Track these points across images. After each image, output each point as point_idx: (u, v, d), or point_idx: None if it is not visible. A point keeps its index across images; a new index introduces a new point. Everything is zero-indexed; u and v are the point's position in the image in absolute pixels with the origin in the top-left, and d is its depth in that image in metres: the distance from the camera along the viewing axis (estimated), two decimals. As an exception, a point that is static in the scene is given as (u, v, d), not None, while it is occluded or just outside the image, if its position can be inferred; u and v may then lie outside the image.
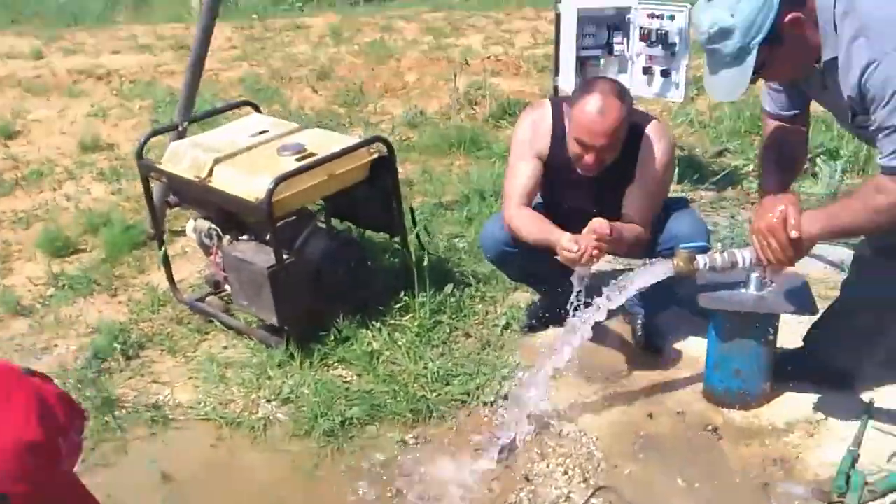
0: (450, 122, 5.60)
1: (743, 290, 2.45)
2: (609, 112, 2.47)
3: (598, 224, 2.43)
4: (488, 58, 7.51)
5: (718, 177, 4.27)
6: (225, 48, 8.50)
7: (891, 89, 1.90)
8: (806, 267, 3.36)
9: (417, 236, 3.42)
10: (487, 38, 8.58)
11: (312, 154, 3.00)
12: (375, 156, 3.11)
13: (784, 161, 2.38)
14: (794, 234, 2.13)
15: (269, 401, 2.86)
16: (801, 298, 2.44)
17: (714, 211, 4.03)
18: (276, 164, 2.95)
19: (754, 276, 2.42)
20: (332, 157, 2.97)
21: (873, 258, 2.43)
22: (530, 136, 2.73)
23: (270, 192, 2.78)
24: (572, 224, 2.73)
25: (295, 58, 7.86)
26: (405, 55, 7.77)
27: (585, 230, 2.47)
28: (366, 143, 3.12)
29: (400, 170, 4.81)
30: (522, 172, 2.73)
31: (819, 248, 3.51)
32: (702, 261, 2.35)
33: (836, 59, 2.00)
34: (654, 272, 2.32)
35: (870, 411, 2.55)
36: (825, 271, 3.38)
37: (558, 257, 2.54)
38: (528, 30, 8.79)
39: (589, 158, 2.54)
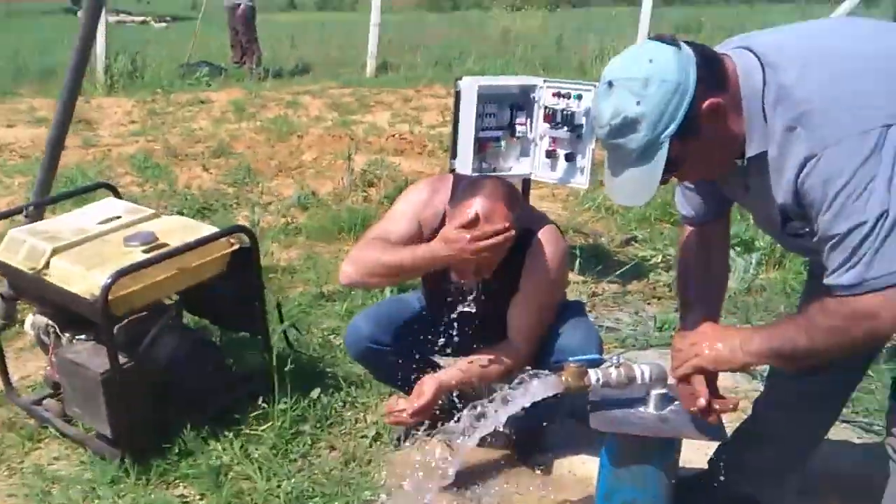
0: (342, 204, 5.39)
1: (641, 409, 2.23)
2: (493, 218, 2.24)
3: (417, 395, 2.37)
4: (392, 136, 7.39)
5: (624, 269, 4.12)
6: (124, 122, 8.20)
7: (833, 189, 1.57)
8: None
9: (285, 334, 3.14)
10: (395, 115, 8.51)
11: (163, 245, 2.72)
12: (235, 247, 2.84)
13: (708, 284, 2.12)
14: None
15: (94, 527, 2.50)
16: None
17: (617, 306, 3.88)
18: (119, 256, 2.66)
19: (654, 392, 2.21)
20: (183, 249, 2.69)
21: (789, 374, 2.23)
22: (421, 202, 2.46)
23: (107, 289, 2.48)
24: (451, 335, 2.52)
25: (194, 134, 7.61)
26: (307, 132, 7.59)
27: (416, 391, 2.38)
28: (225, 233, 2.85)
29: (283, 256, 4.62)
30: (395, 225, 2.44)
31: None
32: (594, 376, 2.12)
33: (764, 153, 1.68)
34: (539, 388, 2.09)
35: None
36: (734, 379, 3.21)
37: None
38: (437, 108, 8.76)
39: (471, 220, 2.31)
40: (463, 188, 2.35)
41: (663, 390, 2.21)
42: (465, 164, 3.91)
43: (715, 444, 2.39)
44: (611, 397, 2.23)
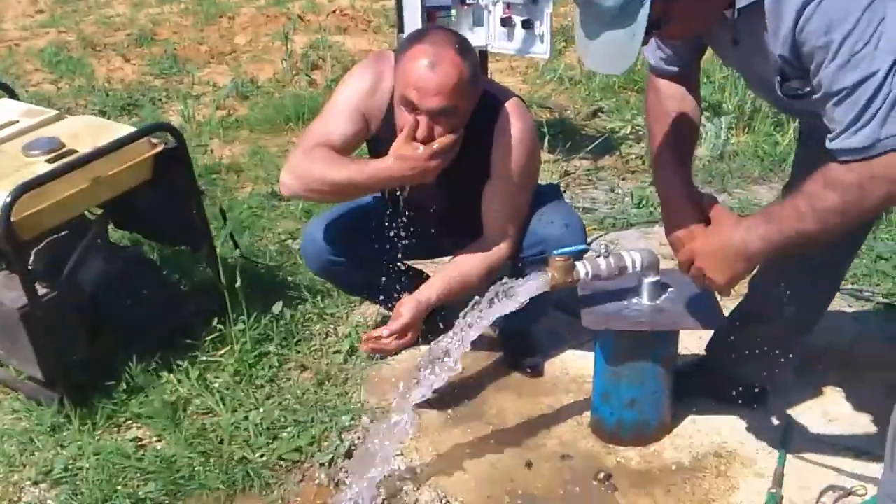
0: (285, 90, 4.88)
1: (635, 300, 1.92)
2: (442, 64, 1.86)
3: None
4: (333, 12, 6.78)
5: (594, 144, 3.74)
6: (30, 13, 7.40)
7: (837, 36, 1.33)
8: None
9: (232, 238, 2.74)
10: (332, -11, 7.80)
11: (71, 152, 2.27)
12: (160, 149, 2.40)
13: (678, 130, 1.84)
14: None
15: (35, 483, 2.15)
16: (705, 305, 1.93)
17: (591, 184, 3.52)
18: (18, 169, 2.21)
19: (647, 281, 1.90)
20: (95, 156, 2.24)
21: None
22: (364, 90, 2.06)
23: (8, 209, 2.05)
24: (418, 232, 2.14)
25: (111, 21, 6.89)
26: (238, 12, 6.92)
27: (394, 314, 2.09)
28: (143, 132, 2.39)
29: (225, 152, 4.14)
30: (336, 124, 2.05)
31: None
32: (582, 269, 1.83)
33: (759, 2, 1.43)
34: (525, 288, 1.77)
35: (787, 436, 2.09)
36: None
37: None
38: (376, -20, 8.07)
39: (422, 123, 1.93)
40: (406, 38, 2.01)
41: (656, 278, 1.93)
42: (413, 36, 3.49)
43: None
44: (601, 289, 1.97)
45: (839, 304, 2.54)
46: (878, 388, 2.21)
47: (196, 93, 4.94)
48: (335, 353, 2.52)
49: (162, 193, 2.46)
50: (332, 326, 2.65)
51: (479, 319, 1.76)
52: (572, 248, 1.85)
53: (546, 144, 3.59)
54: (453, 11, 3.51)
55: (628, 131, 3.94)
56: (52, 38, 6.29)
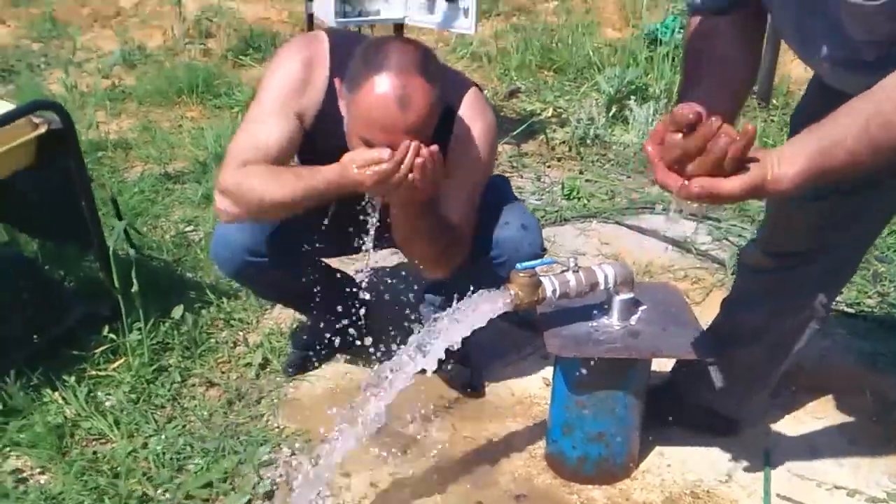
0: (177, 59, 4.49)
1: (604, 320, 1.75)
2: (413, 99, 1.59)
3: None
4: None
5: (519, 130, 3.56)
6: None
7: None
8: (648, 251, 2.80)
9: (127, 236, 2.42)
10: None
11: (-66, 134, 1.92)
12: (42, 130, 2.06)
13: (718, 80, 1.43)
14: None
15: None
16: (684, 326, 1.78)
17: (515, 171, 3.35)
18: None
19: (619, 298, 1.73)
20: (-37, 140, 1.90)
21: (763, 266, 1.82)
22: (294, 85, 1.80)
23: None
24: (351, 225, 1.88)
25: (-20, -23, 6.24)
26: (122, -28, 6.40)
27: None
28: (24, 111, 2.05)
29: (114, 126, 3.75)
30: (268, 130, 1.78)
31: (656, 222, 2.98)
32: (549, 286, 1.64)
33: None
34: (486, 309, 1.57)
35: (767, 471, 1.95)
36: (668, 254, 2.81)
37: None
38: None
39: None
40: (360, 57, 1.65)
41: (630, 295, 1.77)
42: (325, 9, 3.25)
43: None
44: (564, 308, 1.78)
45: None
46: (857, 412, 2.13)
47: (78, 59, 4.49)
48: (246, 365, 2.25)
49: (44, 181, 2.14)
50: (240, 334, 2.38)
51: (433, 343, 1.55)
52: (538, 262, 1.66)
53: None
54: (369, -21, 3.29)
55: (550, 114, 3.79)
56: None
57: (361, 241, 1.86)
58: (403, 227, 1.78)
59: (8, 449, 2.00)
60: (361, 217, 1.82)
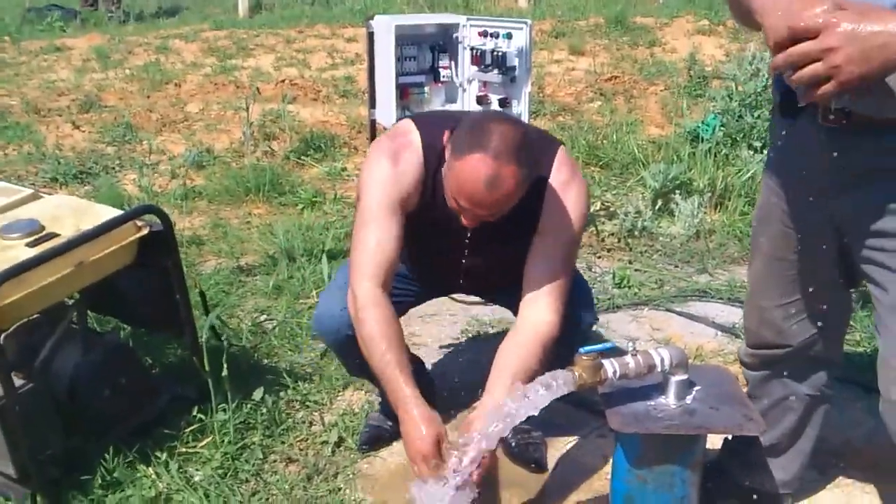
0: (244, 161, 4.81)
1: (661, 399, 1.90)
2: (501, 184, 1.74)
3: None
4: (282, 82, 6.77)
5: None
6: (-32, 76, 7.18)
7: None
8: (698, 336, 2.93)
9: (214, 329, 2.64)
10: (279, 58, 7.82)
11: (52, 235, 2.16)
12: (145, 232, 2.31)
13: None
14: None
15: (8, 591, 2.00)
16: (736, 405, 1.92)
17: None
18: (-2, 253, 2.10)
19: (675, 379, 1.88)
20: (80, 241, 2.14)
21: (750, 363, 2.03)
22: (390, 181, 1.94)
23: (-11, 298, 1.93)
24: (431, 279, 2.07)
25: (55, 86, 6.73)
26: (185, 80, 6.85)
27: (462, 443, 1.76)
28: (130, 216, 2.30)
29: (186, 224, 4.03)
30: (379, 236, 1.93)
31: (707, 308, 3.11)
32: (610, 368, 1.79)
33: None
34: (550, 390, 1.72)
35: None
36: (717, 340, 2.94)
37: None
38: (322, 49, 8.13)
39: (468, 218, 1.87)
40: (467, 131, 1.79)
41: (685, 377, 1.91)
42: (387, 113, 3.52)
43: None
44: (623, 387, 1.91)
45: (849, 397, 2.54)
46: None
47: (151, 162, 4.82)
48: (322, 443, 2.42)
49: (144, 277, 2.37)
50: (316, 414, 2.55)
51: (503, 421, 1.71)
52: (600, 346, 1.82)
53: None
54: (426, 89, 3.56)
55: (598, 207, 3.98)
56: (-7, 102, 6.13)
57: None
58: None
59: (106, 520, 2.18)
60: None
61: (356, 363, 2.23)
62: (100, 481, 2.22)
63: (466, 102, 3.52)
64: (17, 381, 2.08)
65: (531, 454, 2.33)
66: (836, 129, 1.54)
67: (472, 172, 1.74)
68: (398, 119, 3.40)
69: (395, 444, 2.40)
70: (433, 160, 1.95)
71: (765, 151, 4.10)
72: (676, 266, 3.48)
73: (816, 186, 1.64)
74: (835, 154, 1.53)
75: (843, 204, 1.63)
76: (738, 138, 4.39)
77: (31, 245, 2.12)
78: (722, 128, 4.44)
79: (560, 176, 1.97)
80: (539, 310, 1.96)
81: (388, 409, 2.37)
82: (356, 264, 1.95)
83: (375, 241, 1.93)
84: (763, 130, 4.29)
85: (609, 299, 3.17)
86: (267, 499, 2.22)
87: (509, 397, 1.74)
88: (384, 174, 1.95)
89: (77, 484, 2.21)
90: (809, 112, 1.57)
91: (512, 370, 1.88)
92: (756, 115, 4.41)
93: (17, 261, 2.02)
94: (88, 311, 2.49)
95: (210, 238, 3.86)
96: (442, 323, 3.09)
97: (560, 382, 1.73)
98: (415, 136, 1.98)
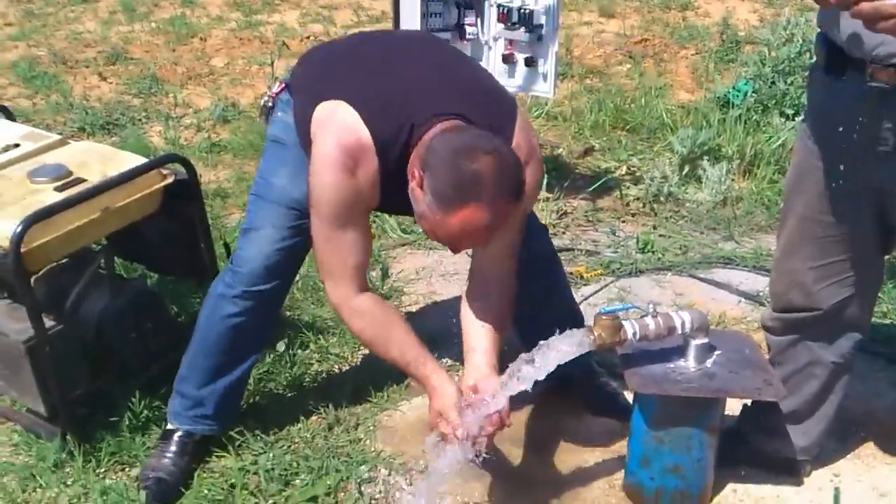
0: (269, 116, 4.79)
1: (681, 362, 1.90)
2: (503, 220, 1.66)
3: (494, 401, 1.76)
4: (308, 38, 6.73)
5: (595, 186, 3.74)
6: (-1, 25, 7.20)
7: None
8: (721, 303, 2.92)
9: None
10: (304, 14, 7.77)
11: (79, 180, 2.18)
12: (170, 180, 2.32)
13: None
14: None
15: (38, 524, 2.05)
16: (756, 370, 1.92)
17: (591, 225, 3.51)
18: (26, 196, 2.12)
19: (695, 343, 1.88)
20: (107, 186, 2.16)
21: (773, 327, 2.01)
22: (351, 194, 1.76)
23: (18, 239, 1.96)
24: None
25: (82, 37, 6.73)
26: (210, 34, 6.83)
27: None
28: (156, 163, 2.32)
29: (211, 176, 4.05)
30: (351, 242, 1.82)
31: (731, 276, 3.09)
32: (630, 329, 1.80)
33: None
34: (568, 348, 1.73)
35: None
36: (741, 307, 2.91)
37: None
38: (348, 5, 8.05)
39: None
40: (447, 178, 1.61)
41: (705, 340, 1.91)
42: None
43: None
44: (643, 349, 1.92)
45: (873, 367, 2.53)
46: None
47: (176, 115, 4.83)
48: (342, 395, 2.45)
49: (169, 224, 2.39)
50: (337, 367, 2.58)
51: (517, 378, 1.72)
52: (620, 307, 1.83)
53: (543, 185, 3.59)
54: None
55: (624, 172, 3.94)
56: (22, 53, 6.13)
57: None
58: None
59: (135, 459, 2.22)
60: None
61: None
62: (127, 422, 2.27)
63: (492, 60, 3.47)
64: (47, 322, 2.11)
65: (618, 403, 2.34)
66: (884, 88, 1.51)
67: (470, 224, 1.61)
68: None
69: (414, 399, 2.42)
70: (391, 157, 1.76)
71: (797, 119, 4.06)
72: (702, 233, 3.45)
73: (858, 148, 1.61)
74: (881, 115, 1.51)
75: (886, 167, 1.60)
76: (769, 105, 4.30)
77: (58, 189, 2.14)
78: (753, 94, 4.36)
79: (522, 154, 1.77)
80: (499, 274, 1.94)
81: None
82: (326, 272, 1.89)
83: (347, 245, 1.82)
84: (796, 97, 4.21)
85: (632, 264, 3.14)
86: (289, 446, 2.26)
87: (528, 355, 1.75)
88: (344, 193, 1.76)
89: (105, 424, 2.26)
90: (857, 70, 1.54)
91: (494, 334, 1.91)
92: (789, 81, 4.32)
93: (44, 204, 2.05)
94: (115, 258, 2.52)
95: (234, 191, 3.88)
96: (462, 281, 3.09)
97: (578, 341, 1.73)
98: (366, 140, 1.73)
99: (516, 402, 1.82)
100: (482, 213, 1.60)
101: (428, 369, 1.86)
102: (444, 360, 2.09)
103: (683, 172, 3.77)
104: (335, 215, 1.78)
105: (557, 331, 1.76)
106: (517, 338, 2.13)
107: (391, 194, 1.79)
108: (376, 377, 2.49)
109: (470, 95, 1.82)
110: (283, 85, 2.04)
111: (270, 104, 2.06)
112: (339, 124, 1.74)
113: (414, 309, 2.91)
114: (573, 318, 2.15)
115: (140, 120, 4.77)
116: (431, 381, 1.85)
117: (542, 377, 1.73)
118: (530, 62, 3.36)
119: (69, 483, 2.13)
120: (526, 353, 1.76)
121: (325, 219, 1.80)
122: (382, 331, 1.89)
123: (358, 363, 2.59)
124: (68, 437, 2.18)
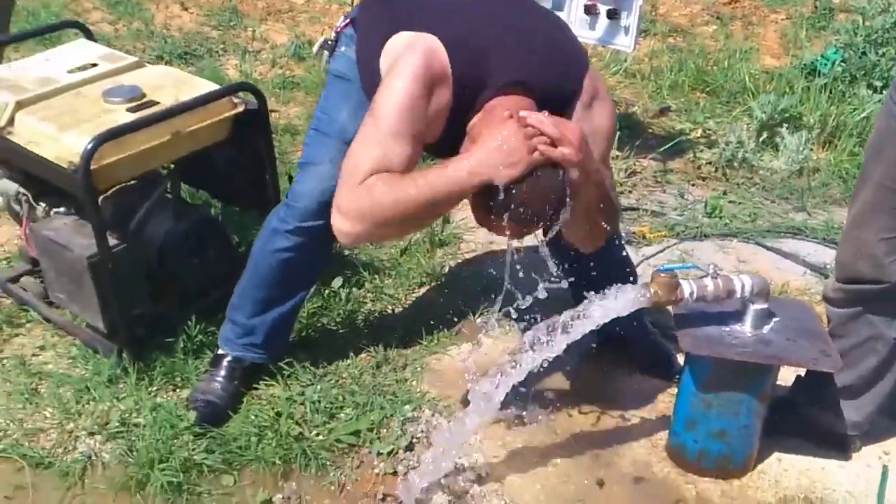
0: (343, 55, 4.79)
1: (737, 327, 1.86)
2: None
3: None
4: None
5: (666, 147, 3.65)
6: (82, -49, 7.30)
7: None
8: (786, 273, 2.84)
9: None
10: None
11: (152, 103, 2.22)
12: (240, 109, 2.34)
13: None
14: None
15: (91, 433, 2.13)
16: (814, 340, 1.86)
17: (659, 186, 3.44)
18: (99, 115, 2.16)
19: (754, 308, 1.83)
20: (179, 110, 2.19)
21: (836, 298, 1.95)
22: (420, 110, 1.68)
23: (89, 157, 2.00)
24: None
25: (165, -34, 6.80)
26: (293, -30, 6.82)
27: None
28: (227, 91, 2.34)
29: (282, 112, 4.08)
30: (398, 156, 1.68)
31: (799, 246, 3.01)
32: (687, 288, 1.76)
33: None
34: (622, 302, 1.71)
35: (882, 490, 2.00)
36: (805, 279, 2.83)
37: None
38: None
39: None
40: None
41: (765, 305, 1.85)
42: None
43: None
44: (700, 311, 1.88)
45: None
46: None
47: (253, 49, 4.86)
48: (393, 335, 2.47)
49: (237, 154, 2.42)
50: (389, 307, 2.60)
51: (578, 321, 1.70)
52: (679, 265, 1.79)
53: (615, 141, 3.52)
54: (534, -6, 3.43)
55: (699, 134, 3.83)
56: (107, -23, 6.23)
57: None
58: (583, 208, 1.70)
59: (187, 381, 2.28)
60: None
61: None
62: (181, 345, 2.33)
63: (573, 10, 3.38)
64: (112, 241, 2.17)
65: (670, 363, 2.33)
66: None
67: (520, 224, 1.63)
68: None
69: (463, 345, 2.43)
70: (459, 107, 1.74)
71: (885, 91, 3.87)
72: (773, 201, 3.34)
73: None
74: None
75: None
76: (857, 76, 4.12)
77: (131, 110, 2.18)
78: (842, 63, 4.17)
79: (585, 97, 1.78)
80: None
81: None
82: (349, 172, 1.71)
83: (386, 157, 1.68)
84: (886, 69, 4.01)
85: (697, 227, 3.07)
86: (336, 380, 2.29)
87: (581, 307, 1.73)
88: (416, 100, 1.68)
89: (160, 345, 2.33)
90: None
91: None
92: (881, 52, 4.12)
93: (117, 124, 2.09)
94: (182, 184, 2.57)
95: (304, 129, 3.88)
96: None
97: (634, 296, 1.71)
98: (450, 73, 1.70)
99: (569, 357, 1.81)
100: (533, 213, 1.60)
101: (452, 160, 1.67)
102: (496, 313, 2.07)
103: (760, 139, 3.65)
104: (398, 120, 1.67)
105: (614, 287, 1.74)
106: (572, 294, 2.10)
107: (444, 139, 1.76)
108: (428, 320, 2.51)
109: (538, 66, 1.77)
110: (349, 20, 2.02)
111: (334, 38, 2.04)
112: (429, 49, 1.70)
113: (470, 256, 2.90)
114: (628, 276, 2.11)
115: (217, 52, 4.81)
116: (461, 157, 1.66)
117: (595, 328, 1.71)
118: (613, 14, 3.25)
119: (121, 398, 2.21)
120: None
121: (383, 121, 1.68)
122: (395, 178, 1.66)
123: (411, 305, 2.60)
124: (124, 354, 2.26)
